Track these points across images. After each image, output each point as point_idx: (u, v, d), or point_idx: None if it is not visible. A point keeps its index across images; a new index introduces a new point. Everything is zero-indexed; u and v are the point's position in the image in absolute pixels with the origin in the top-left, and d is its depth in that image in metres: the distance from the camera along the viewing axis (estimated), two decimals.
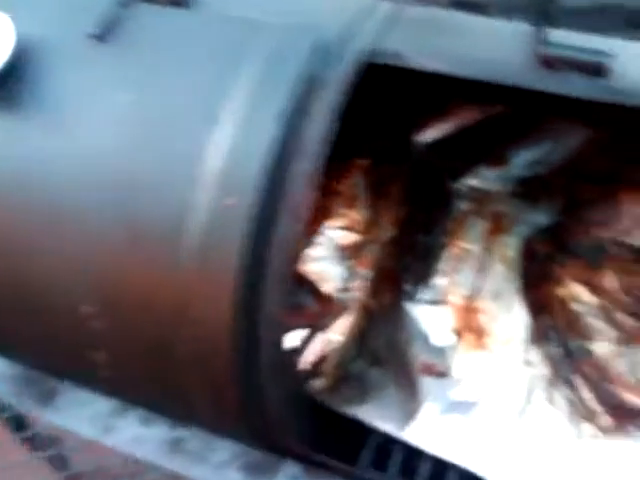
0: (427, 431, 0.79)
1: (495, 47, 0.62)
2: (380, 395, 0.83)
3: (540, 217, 0.94)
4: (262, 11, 0.66)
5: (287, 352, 0.83)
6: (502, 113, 1.03)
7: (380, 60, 0.61)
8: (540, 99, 1.05)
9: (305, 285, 0.89)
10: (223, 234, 0.59)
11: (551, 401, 0.83)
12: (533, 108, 1.02)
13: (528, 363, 0.86)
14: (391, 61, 0.60)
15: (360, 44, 0.62)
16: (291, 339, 0.86)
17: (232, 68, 0.61)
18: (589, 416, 0.80)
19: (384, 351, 0.87)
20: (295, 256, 0.69)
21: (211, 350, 0.63)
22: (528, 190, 0.98)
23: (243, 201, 0.58)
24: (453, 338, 0.87)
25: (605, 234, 0.84)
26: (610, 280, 0.81)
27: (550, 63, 0.57)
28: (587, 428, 0.81)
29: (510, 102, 1.03)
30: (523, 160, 1.00)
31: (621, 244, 0.83)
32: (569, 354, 0.80)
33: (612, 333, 0.79)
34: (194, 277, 0.60)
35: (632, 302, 0.80)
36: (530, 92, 1.03)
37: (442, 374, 0.85)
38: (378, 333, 0.89)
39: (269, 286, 0.60)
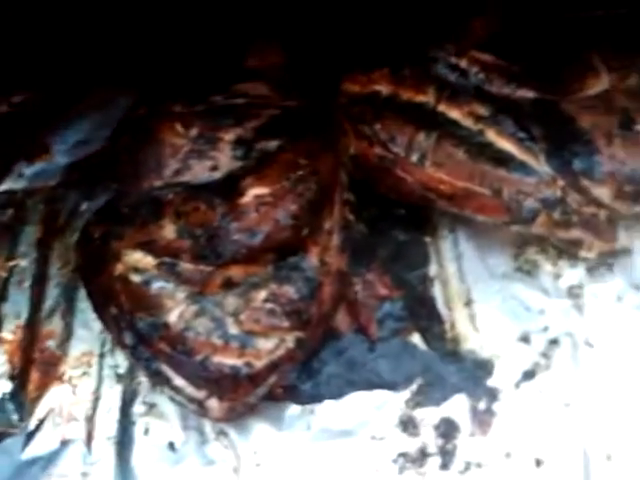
0: None
1: None
2: None
3: (100, 201, 0.73)
4: None
5: None
6: (31, 99, 0.84)
7: None
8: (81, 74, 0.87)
9: None
10: None
11: (153, 412, 0.62)
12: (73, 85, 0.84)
13: (119, 377, 0.64)
14: None
15: None
16: None
17: None
18: (199, 410, 0.59)
19: None
20: None
21: None
22: (83, 175, 0.78)
23: None
24: (9, 385, 0.63)
25: (156, 182, 0.65)
26: (168, 229, 0.62)
27: None
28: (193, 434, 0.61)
29: (39, 87, 0.84)
30: (67, 143, 0.80)
31: (174, 185, 0.65)
32: (143, 339, 0.59)
33: (181, 292, 0.59)
34: None
35: (191, 245, 0.61)
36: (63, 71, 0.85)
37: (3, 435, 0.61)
38: None
39: None
